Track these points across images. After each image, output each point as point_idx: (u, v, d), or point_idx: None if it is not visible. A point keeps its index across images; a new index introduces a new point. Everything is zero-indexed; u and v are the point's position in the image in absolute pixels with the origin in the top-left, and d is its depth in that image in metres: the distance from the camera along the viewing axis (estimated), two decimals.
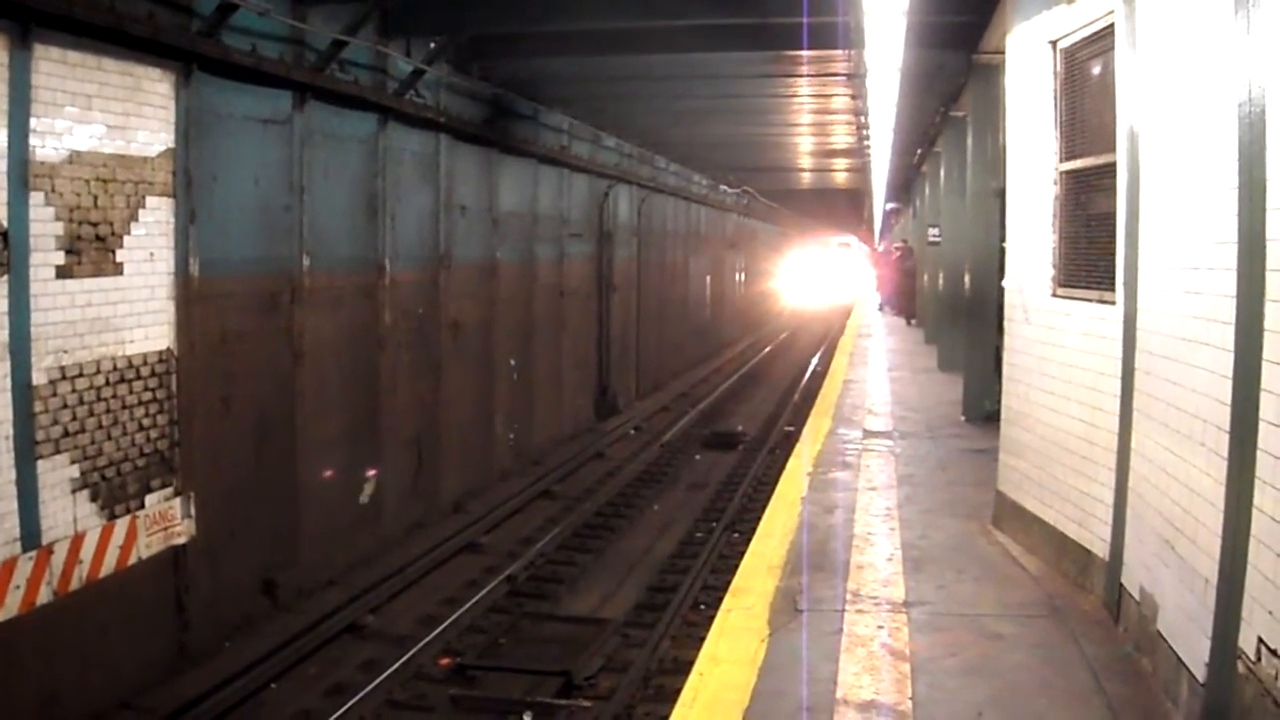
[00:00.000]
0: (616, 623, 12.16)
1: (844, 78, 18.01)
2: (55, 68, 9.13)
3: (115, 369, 10.01)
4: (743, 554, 8.83)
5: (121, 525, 10.11)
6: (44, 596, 9.21)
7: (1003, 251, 10.66)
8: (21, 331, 8.96)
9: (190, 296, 10.95)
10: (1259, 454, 4.59)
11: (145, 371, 10.41)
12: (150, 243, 10.39)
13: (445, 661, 11.24)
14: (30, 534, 9.09)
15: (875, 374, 20.51)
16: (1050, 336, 8.29)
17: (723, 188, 42.40)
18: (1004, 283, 9.79)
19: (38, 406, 9.16)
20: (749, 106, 23.03)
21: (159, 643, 10.73)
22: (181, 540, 10.91)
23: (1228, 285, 4.92)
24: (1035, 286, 8.60)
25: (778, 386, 32.57)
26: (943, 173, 21.55)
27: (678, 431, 24.05)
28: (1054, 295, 8.29)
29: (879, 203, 40.91)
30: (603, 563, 14.91)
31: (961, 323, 16.24)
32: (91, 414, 9.74)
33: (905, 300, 33.52)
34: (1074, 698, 5.89)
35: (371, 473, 14.78)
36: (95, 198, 9.66)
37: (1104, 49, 7.39)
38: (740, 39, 15.14)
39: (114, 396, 10.01)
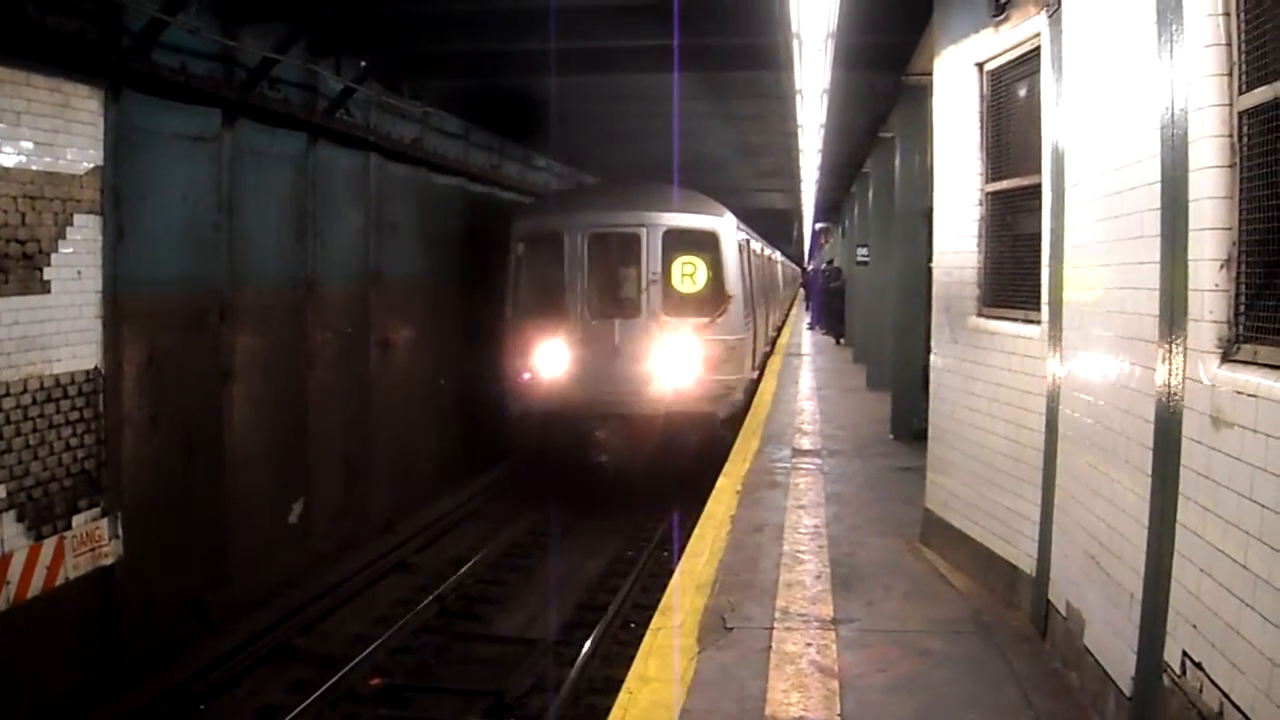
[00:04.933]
0: (546, 642, 12.14)
1: (774, 99, 18.15)
2: None
3: (42, 388, 9.86)
4: (671, 572, 8.87)
5: (49, 546, 9.96)
6: None
7: (930, 271, 10.81)
8: None
9: (118, 315, 10.82)
10: (1182, 470, 4.68)
11: (73, 390, 10.27)
12: (78, 261, 10.26)
13: (376, 682, 11.16)
14: None
15: (804, 393, 20.63)
16: (976, 356, 8.40)
17: None
18: (931, 302, 9.90)
19: None
20: (681, 127, 23.09)
21: (88, 664, 10.57)
22: (109, 560, 10.76)
23: (1151, 305, 5.02)
24: (961, 306, 8.71)
25: None
26: (871, 193, 21.73)
27: None
28: (980, 315, 8.41)
29: (809, 223, 41.18)
30: (533, 582, 14.86)
31: (889, 342, 16.39)
32: (19, 433, 9.59)
33: (834, 320, 33.74)
34: (1002, 713, 5.97)
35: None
36: (23, 215, 9.53)
37: (1029, 72, 7.54)
38: (671, 60, 15.20)
39: (41, 416, 9.87)
